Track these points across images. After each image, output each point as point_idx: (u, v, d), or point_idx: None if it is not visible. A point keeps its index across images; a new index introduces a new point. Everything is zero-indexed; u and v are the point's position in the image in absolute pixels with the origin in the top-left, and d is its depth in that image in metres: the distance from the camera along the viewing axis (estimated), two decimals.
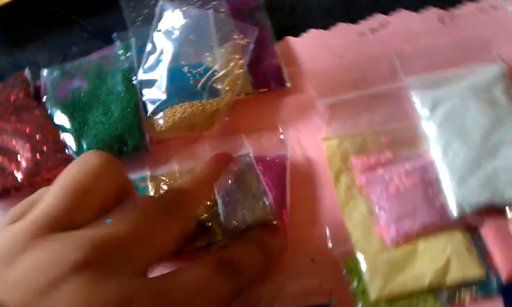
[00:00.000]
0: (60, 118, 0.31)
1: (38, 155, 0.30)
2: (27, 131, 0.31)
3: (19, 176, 0.30)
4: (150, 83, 0.31)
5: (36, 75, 0.33)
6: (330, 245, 0.28)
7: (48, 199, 0.19)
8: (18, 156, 0.30)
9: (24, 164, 0.30)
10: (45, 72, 0.33)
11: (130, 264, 0.19)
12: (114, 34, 0.34)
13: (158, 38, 0.32)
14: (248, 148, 0.30)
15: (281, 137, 0.32)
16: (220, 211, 0.28)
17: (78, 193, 0.20)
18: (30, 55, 0.35)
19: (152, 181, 0.30)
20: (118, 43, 0.33)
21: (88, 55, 0.33)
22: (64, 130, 0.31)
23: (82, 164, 0.21)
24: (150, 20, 0.33)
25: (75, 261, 0.17)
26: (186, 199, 0.24)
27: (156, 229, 0.21)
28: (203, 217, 0.28)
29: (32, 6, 0.35)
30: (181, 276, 0.21)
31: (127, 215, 0.20)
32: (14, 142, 0.31)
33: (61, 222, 0.19)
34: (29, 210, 0.20)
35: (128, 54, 0.33)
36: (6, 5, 0.33)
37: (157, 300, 0.19)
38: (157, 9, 0.32)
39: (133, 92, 0.31)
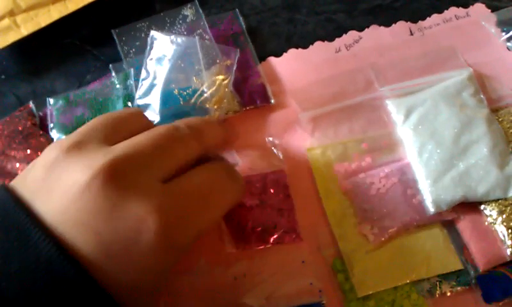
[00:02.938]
0: None
1: None
2: (35, 157, 0.32)
3: None
4: (146, 107, 0.33)
5: (43, 104, 0.35)
6: (319, 247, 0.29)
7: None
8: None
9: None
10: (51, 101, 0.34)
11: (150, 173, 0.22)
12: (110, 66, 0.35)
13: (151, 65, 0.33)
14: (238, 160, 0.31)
15: (273, 149, 0.32)
16: None
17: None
18: (48, 84, 0.37)
19: None
20: (114, 73, 0.35)
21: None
22: None
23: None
24: (141, 51, 0.35)
25: (102, 167, 0.20)
26: (200, 128, 0.26)
27: (175, 146, 0.24)
28: None
29: (50, 38, 0.37)
30: (197, 178, 0.24)
31: (147, 134, 0.23)
32: (24, 167, 0.32)
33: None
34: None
35: (127, 82, 0.34)
36: (26, 37, 0.34)
37: (178, 198, 0.22)
38: (149, 39, 0.34)
39: None
